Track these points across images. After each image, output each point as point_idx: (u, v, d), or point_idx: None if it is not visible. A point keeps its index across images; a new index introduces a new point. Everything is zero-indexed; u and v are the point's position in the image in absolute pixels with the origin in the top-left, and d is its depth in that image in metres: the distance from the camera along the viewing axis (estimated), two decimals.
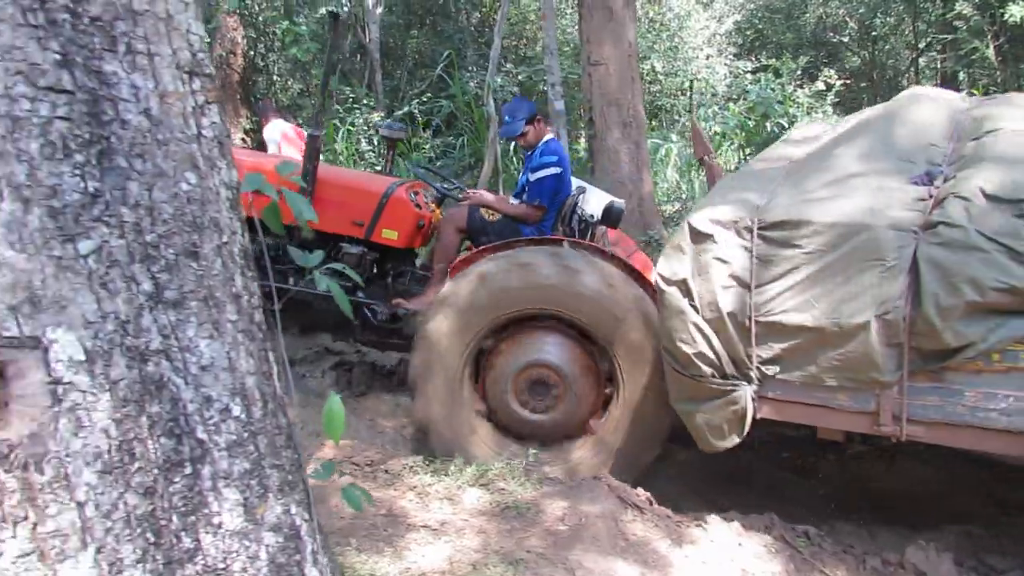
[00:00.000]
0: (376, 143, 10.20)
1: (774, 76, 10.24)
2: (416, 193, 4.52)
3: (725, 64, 12.51)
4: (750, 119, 9.41)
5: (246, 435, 1.29)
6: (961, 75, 12.14)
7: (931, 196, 2.80)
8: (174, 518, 1.18)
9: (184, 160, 1.21)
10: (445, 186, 4.69)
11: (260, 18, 12.46)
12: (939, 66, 13.81)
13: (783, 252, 2.84)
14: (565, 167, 4.24)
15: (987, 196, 2.61)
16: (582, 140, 9.93)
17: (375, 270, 4.45)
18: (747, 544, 2.98)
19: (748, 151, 9.23)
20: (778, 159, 3.69)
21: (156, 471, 1.16)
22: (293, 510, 1.37)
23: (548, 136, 4.32)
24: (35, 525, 1.05)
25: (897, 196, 2.83)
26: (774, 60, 11.19)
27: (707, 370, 2.98)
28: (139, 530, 1.13)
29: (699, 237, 2.99)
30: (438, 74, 11.66)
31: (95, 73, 1.10)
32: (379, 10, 12.39)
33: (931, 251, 2.60)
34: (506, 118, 4.30)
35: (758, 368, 2.94)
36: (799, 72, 10.92)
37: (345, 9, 13.16)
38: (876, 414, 2.80)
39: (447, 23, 14.05)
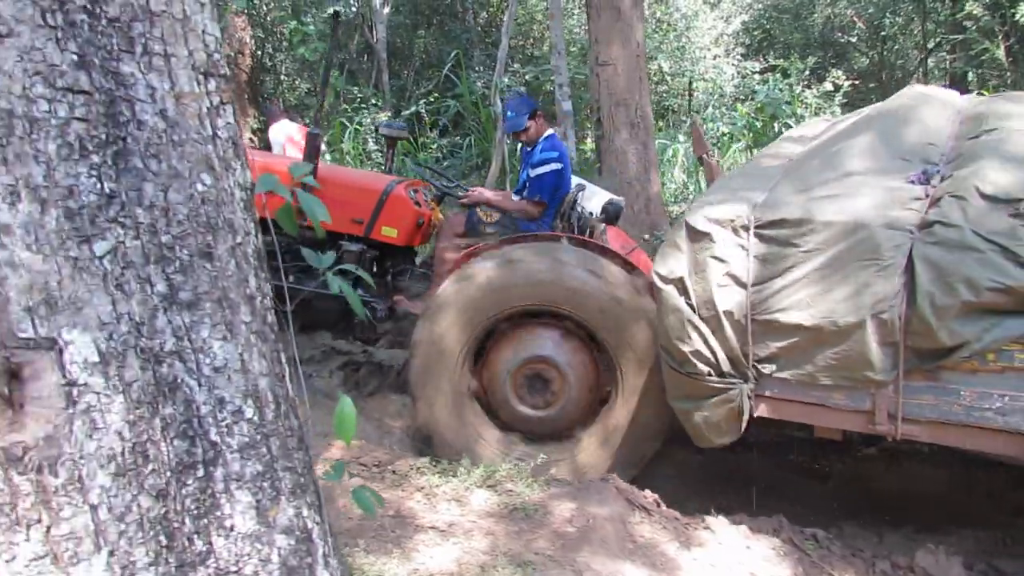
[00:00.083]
0: (382, 143, 10.21)
1: (782, 76, 10.20)
2: (416, 191, 4.53)
3: (733, 64, 12.47)
4: (758, 120, 9.38)
5: (259, 437, 1.28)
6: (971, 76, 12.08)
7: (928, 195, 2.81)
8: (187, 521, 1.18)
9: (199, 161, 1.21)
10: (445, 184, 4.70)
11: (268, 18, 12.49)
12: (948, 67, 13.74)
13: (780, 251, 2.84)
14: (565, 163, 4.25)
15: (983, 196, 2.61)
16: (589, 140, 9.91)
17: (375, 268, 4.46)
18: (755, 547, 2.97)
19: (756, 152, 9.20)
20: (776, 157, 3.68)
21: (169, 473, 1.16)
22: (305, 512, 1.36)
23: (548, 132, 4.34)
24: (48, 528, 1.04)
25: (894, 195, 2.82)
26: (782, 60, 11.15)
27: (704, 368, 2.99)
28: (152, 533, 1.13)
29: (696, 235, 2.99)
30: (445, 74, 11.66)
31: (112, 74, 1.10)
32: (386, 10, 12.40)
33: (927, 250, 2.60)
34: (509, 113, 4.33)
35: (755, 366, 2.94)
36: (807, 72, 10.87)
37: (353, 9, 13.18)
38: (872, 413, 2.81)
39: (454, 23, 14.06)
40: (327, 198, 4.19)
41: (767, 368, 2.92)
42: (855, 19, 15.04)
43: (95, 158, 1.08)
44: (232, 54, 9.93)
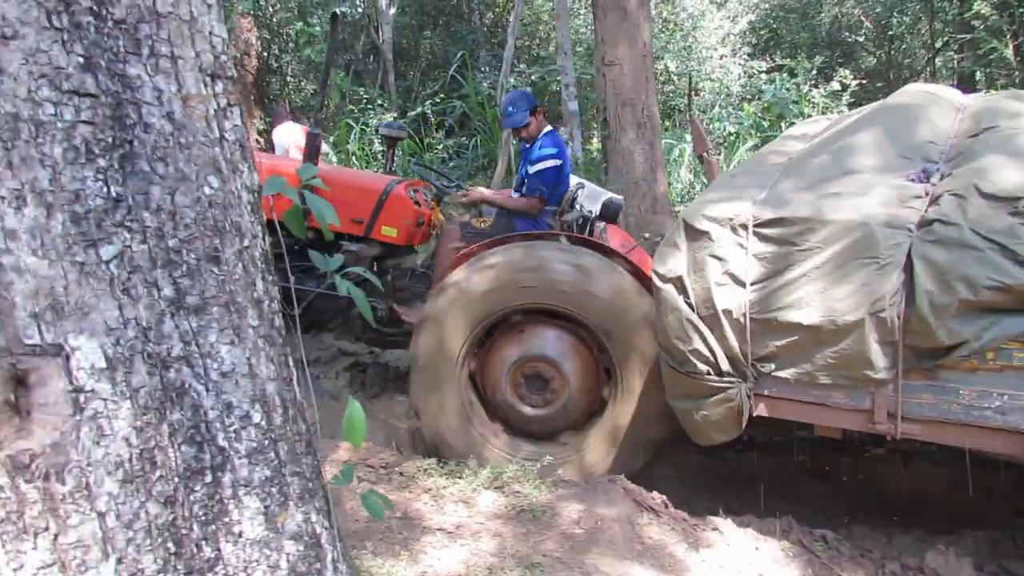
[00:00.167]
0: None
1: (789, 76, 10.17)
2: (415, 191, 4.54)
3: (739, 64, 12.44)
4: (765, 119, 9.35)
5: (266, 442, 1.27)
6: (978, 75, 12.01)
7: (927, 193, 2.79)
8: (195, 527, 1.17)
9: (206, 164, 1.20)
10: (444, 184, 4.71)
11: (274, 19, 12.51)
12: (956, 66, 13.67)
13: (779, 249, 2.83)
14: (565, 159, 4.24)
15: (983, 194, 2.59)
16: (595, 140, 9.90)
17: (375, 267, 4.47)
18: (764, 548, 2.96)
19: None
20: (777, 155, 3.67)
21: (177, 479, 1.15)
22: (313, 518, 1.35)
23: (547, 128, 4.33)
24: (56, 536, 1.03)
25: (893, 193, 2.81)
26: (789, 60, 11.12)
27: (702, 367, 2.98)
28: (160, 540, 1.12)
29: (695, 234, 2.98)
30: (451, 75, 11.66)
31: (119, 76, 1.09)
32: (392, 11, 12.42)
33: (925, 249, 2.59)
34: (509, 108, 4.31)
35: (754, 365, 2.93)
36: (814, 72, 10.83)
37: (359, 10, 13.19)
38: (871, 412, 2.80)
39: (460, 24, 14.07)
40: (327, 198, 4.22)
41: (766, 367, 2.91)
42: (862, 18, 14.98)
43: (101, 162, 1.07)
44: (238, 55, 9.95)
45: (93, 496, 1.06)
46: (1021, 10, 9.75)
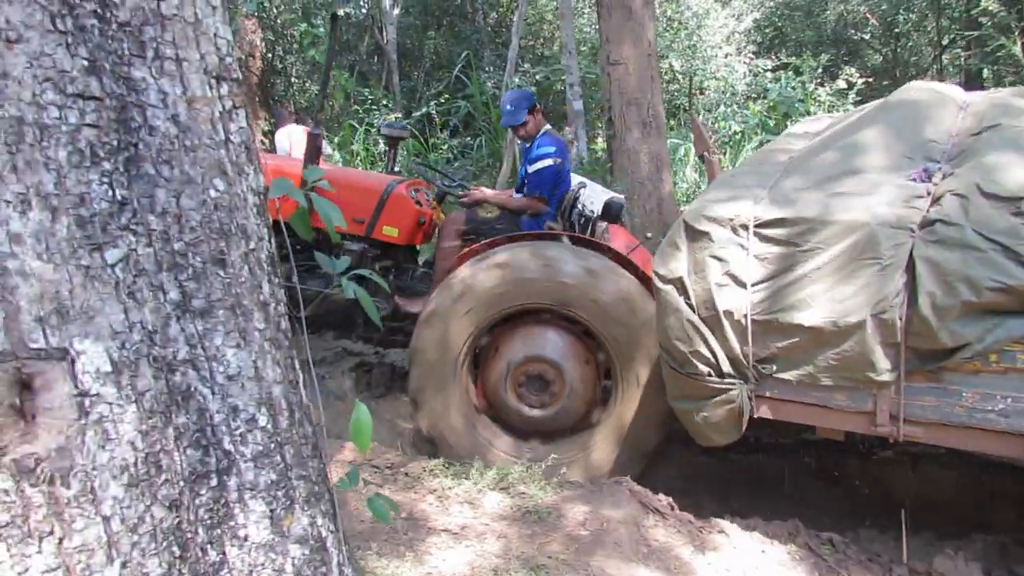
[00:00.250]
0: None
1: (794, 74, 10.13)
2: (417, 190, 4.54)
3: (744, 63, 12.40)
4: (770, 118, 9.32)
5: (272, 446, 1.27)
6: (986, 72, 11.94)
7: (929, 193, 2.76)
8: (200, 531, 1.16)
9: (212, 166, 1.19)
10: (446, 183, 4.70)
11: (278, 20, 12.53)
12: (963, 63, 13.60)
13: (780, 250, 2.81)
14: (564, 158, 4.23)
15: (985, 194, 2.56)
16: (600, 140, 9.88)
17: (376, 267, 4.47)
18: (771, 551, 2.94)
19: None
20: (778, 154, 3.65)
21: (182, 483, 1.14)
22: (319, 521, 1.35)
23: (546, 127, 4.32)
24: (61, 540, 1.03)
25: (895, 193, 2.78)
26: (794, 58, 11.08)
27: (703, 369, 2.97)
28: (165, 544, 1.12)
29: (695, 234, 2.97)
30: (455, 75, 11.66)
31: (123, 79, 1.08)
32: (396, 11, 12.42)
33: (927, 249, 2.56)
34: (507, 107, 4.30)
35: (755, 367, 2.91)
36: (820, 70, 10.79)
37: (363, 11, 13.20)
38: (873, 414, 2.78)
39: (464, 24, 14.07)
40: (329, 198, 4.23)
41: (767, 368, 2.90)
42: (868, 16, 14.92)
43: (106, 165, 1.07)
44: (243, 57, 9.97)
45: (98, 500, 1.06)
46: None
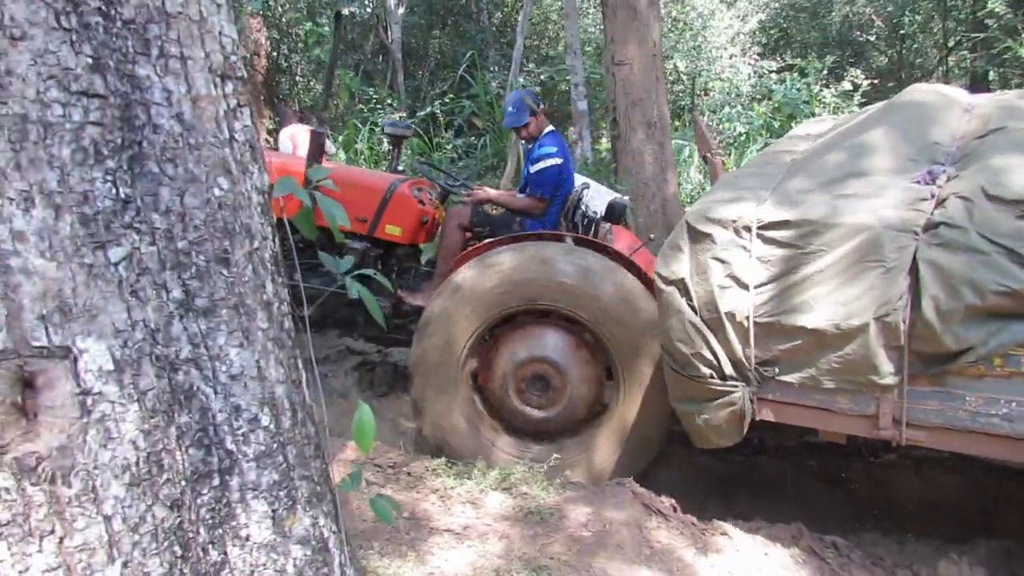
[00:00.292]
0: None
1: (799, 76, 10.11)
2: (420, 189, 4.54)
3: (749, 64, 12.38)
4: (775, 120, 9.30)
5: (275, 445, 1.26)
6: (992, 75, 11.90)
7: (933, 196, 2.74)
8: (201, 531, 1.16)
9: (216, 165, 1.19)
10: (449, 183, 4.70)
11: (283, 19, 12.55)
12: (969, 65, 13.56)
13: (782, 252, 2.80)
14: (566, 158, 4.23)
15: (989, 197, 2.54)
16: (604, 140, 9.87)
17: (379, 266, 4.47)
18: (774, 554, 2.93)
19: None
20: (781, 155, 3.63)
21: (184, 483, 1.14)
22: (321, 522, 1.34)
23: (548, 128, 4.31)
24: (62, 539, 1.03)
25: (898, 195, 2.77)
26: (799, 59, 11.07)
27: (705, 371, 2.96)
28: (166, 543, 1.11)
29: (697, 236, 2.96)
30: (460, 74, 11.66)
31: (128, 77, 1.08)
32: (401, 11, 12.44)
33: (931, 252, 2.55)
34: (509, 109, 4.31)
35: (757, 369, 2.90)
36: (825, 72, 10.77)
37: (368, 10, 13.21)
38: (876, 417, 2.76)
39: (469, 23, 14.07)
40: (333, 197, 4.23)
41: (770, 371, 2.89)
42: (873, 17, 14.89)
43: (110, 163, 1.06)
44: (248, 56, 9.98)
45: (99, 499, 1.05)
46: None
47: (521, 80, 10.48)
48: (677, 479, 3.86)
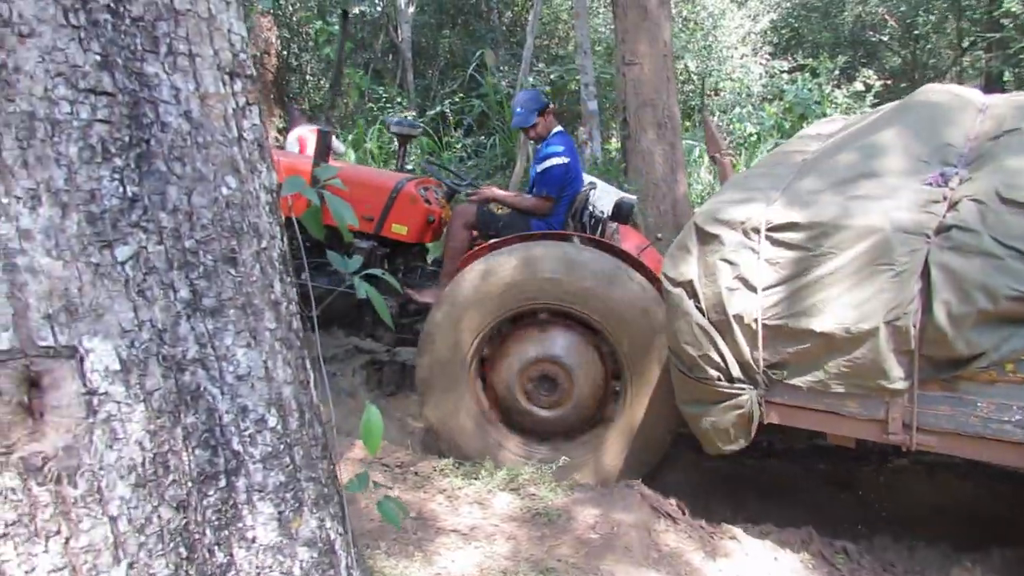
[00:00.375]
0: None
1: (811, 76, 10.05)
2: (426, 188, 4.53)
3: (760, 64, 12.32)
4: (786, 120, 9.25)
5: (282, 447, 1.26)
6: (1007, 75, 11.79)
7: (945, 198, 2.71)
8: (207, 532, 1.15)
9: (224, 164, 1.18)
10: (455, 182, 4.69)
11: (294, 18, 12.57)
12: (984, 66, 13.44)
13: (791, 254, 2.77)
14: (573, 158, 4.21)
15: (1003, 200, 2.52)
16: (615, 140, 9.84)
17: (385, 265, 4.47)
18: (783, 559, 2.91)
19: None
20: (790, 156, 3.60)
21: (190, 484, 1.13)
22: (328, 524, 1.33)
23: (557, 129, 4.30)
24: (67, 540, 1.02)
25: (910, 197, 2.74)
26: (811, 60, 11.00)
27: (713, 373, 2.93)
28: (172, 545, 1.11)
29: (706, 238, 2.93)
30: (470, 73, 11.65)
31: (136, 75, 1.07)
32: (411, 10, 12.44)
33: (943, 256, 2.52)
34: (517, 109, 4.30)
35: (765, 372, 2.88)
36: (837, 72, 10.70)
37: (378, 9, 13.22)
38: (886, 422, 2.74)
39: (479, 22, 14.06)
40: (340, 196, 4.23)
41: (778, 374, 2.86)
42: (886, 17, 14.78)
43: (118, 161, 1.06)
44: (258, 54, 10.00)
45: (105, 500, 1.05)
46: None
47: (531, 79, 10.46)
48: (686, 481, 3.84)
